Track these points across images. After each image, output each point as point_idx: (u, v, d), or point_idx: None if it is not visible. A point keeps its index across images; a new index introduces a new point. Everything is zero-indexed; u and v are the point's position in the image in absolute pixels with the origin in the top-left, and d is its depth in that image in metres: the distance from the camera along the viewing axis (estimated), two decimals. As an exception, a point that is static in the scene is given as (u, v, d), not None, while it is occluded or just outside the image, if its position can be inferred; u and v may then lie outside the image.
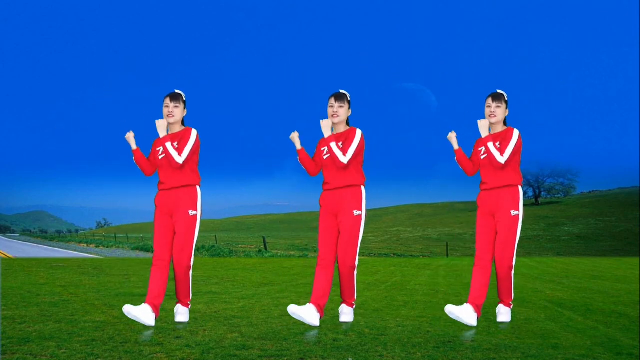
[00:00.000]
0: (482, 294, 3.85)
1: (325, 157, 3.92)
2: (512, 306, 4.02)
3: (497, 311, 4.02)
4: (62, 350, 2.88)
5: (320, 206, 3.95)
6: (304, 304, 3.83)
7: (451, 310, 3.79)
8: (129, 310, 3.61)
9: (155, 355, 2.83)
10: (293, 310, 3.72)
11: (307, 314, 3.70)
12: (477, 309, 3.81)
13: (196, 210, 3.84)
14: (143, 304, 3.67)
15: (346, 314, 3.92)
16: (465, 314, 3.77)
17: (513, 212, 3.87)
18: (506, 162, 3.85)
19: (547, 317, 4.23)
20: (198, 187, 3.88)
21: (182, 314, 3.84)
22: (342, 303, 3.97)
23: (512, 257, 3.89)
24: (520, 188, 3.93)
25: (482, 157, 3.97)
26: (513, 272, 3.93)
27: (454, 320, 3.92)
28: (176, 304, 3.89)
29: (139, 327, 3.54)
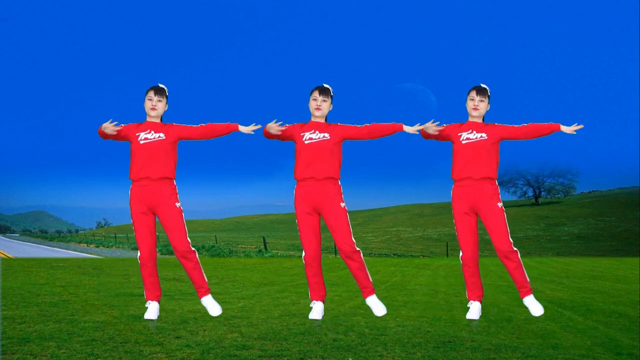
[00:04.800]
0: (481, 286, 3.98)
1: (307, 142, 3.80)
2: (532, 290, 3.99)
3: (526, 304, 3.97)
4: (62, 350, 2.88)
5: (299, 201, 3.81)
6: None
7: (473, 314, 3.90)
8: (151, 316, 3.75)
9: (155, 355, 2.83)
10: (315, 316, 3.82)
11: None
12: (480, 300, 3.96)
13: (179, 201, 3.85)
14: (152, 302, 3.79)
15: (378, 303, 3.90)
16: (478, 306, 3.90)
17: (499, 205, 3.88)
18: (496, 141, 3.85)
19: (547, 317, 4.22)
20: (174, 181, 3.88)
21: (213, 304, 3.85)
22: (367, 296, 3.93)
23: (512, 242, 3.89)
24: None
25: (463, 142, 3.83)
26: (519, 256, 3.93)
27: (454, 320, 3.92)
28: (201, 297, 3.89)
29: (139, 327, 3.54)
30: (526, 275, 3.95)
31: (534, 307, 3.91)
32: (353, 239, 3.86)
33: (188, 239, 3.86)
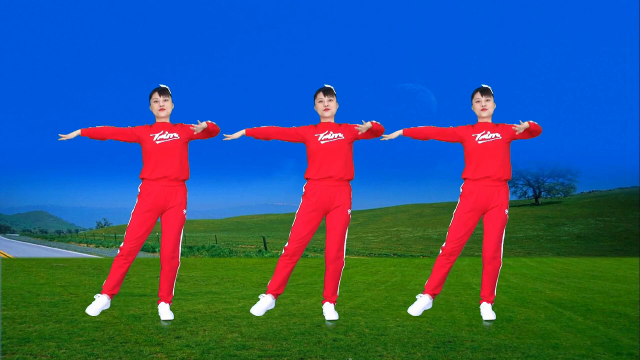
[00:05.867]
0: (442, 283, 4.00)
1: (323, 143, 3.83)
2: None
3: (481, 309, 3.99)
4: (62, 350, 2.88)
5: (309, 197, 3.84)
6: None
7: (415, 310, 3.90)
8: (93, 312, 3.77)
9: (155, 355, 2.83)
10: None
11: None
12: (434, 297, 3.99)
13: (186, 209, 3.89)
14: (103, 296, 3.81)
15: (332, 311, 3.92)
16: (425, 302, 3.93)
17: (506, 211, 3.90)
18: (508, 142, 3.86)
19: (547, 317, 4.23)
20: (186, 183, 3.92)
21: (167, 311, 3.86)
22: (324, 302, 3.95)
23: (501, 253, 3.92)
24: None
25: (479, 142, 3.85)
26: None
27: (454, 320, 3.92)
28: (159, 302, 3.90)
29: (139, 327, 3.54)
30: (495, 286, 3.97)
31: (488, 313, 3.93)
32: (344, 248, 3.89)
33: (179, 247, 3.89)
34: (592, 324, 3.91)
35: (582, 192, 49.86)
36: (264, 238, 27.77)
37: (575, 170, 47.76)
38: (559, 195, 48.15)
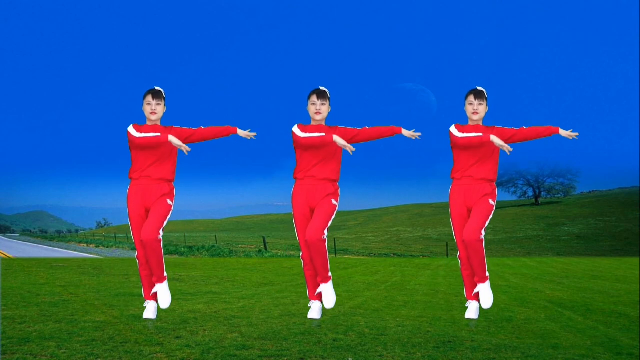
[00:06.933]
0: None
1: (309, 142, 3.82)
2: (488, 278, 3.95)
3: (479, 290, 3.92)
4: (62, 350, 2.88)
5: (297, 200, 3.84)
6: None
7: (472, 314, 3.90)
8: (150, 316, 3.76)
9: (155, 355, 2.83)
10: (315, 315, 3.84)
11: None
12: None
13: (173, 201, 3.86)
14: (151, 302, 3.80)
15: (331, 294, 3.85)
16: (476, 305, 3.90)
17: (491, 201, 3.88)
18: (495, 152, 3.85)
19: (547, 317, 4.23)
20: (173, 184, 3.91)
21: (166, 290, 3.75)
22: (320, 283, 3.89)
23: (481, 231, 3.84)
24: (495, 185, 3.94)
25: (464, 137, 3.85)
26: (484, 245, 3.88)
27: (454, 320, 3.92)
28: (154, 284, 3.85)
29: (139, 327, 3.54)
30: (485, 266, 3.89)
31: (485, 296, 3.87)
32: (325, 232, 3.81)
33: (161, 231, 3.80)
34: (592, 324, 3.91)
35: (582, 192, 49.88)
36: (264, 238, 27.77)
37: (575, 170, 47.78)
38: (559, 195, 48.16)
